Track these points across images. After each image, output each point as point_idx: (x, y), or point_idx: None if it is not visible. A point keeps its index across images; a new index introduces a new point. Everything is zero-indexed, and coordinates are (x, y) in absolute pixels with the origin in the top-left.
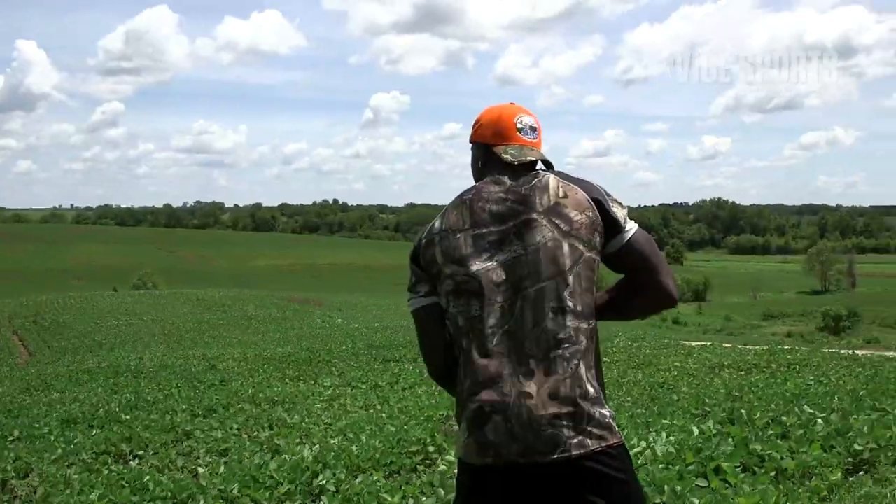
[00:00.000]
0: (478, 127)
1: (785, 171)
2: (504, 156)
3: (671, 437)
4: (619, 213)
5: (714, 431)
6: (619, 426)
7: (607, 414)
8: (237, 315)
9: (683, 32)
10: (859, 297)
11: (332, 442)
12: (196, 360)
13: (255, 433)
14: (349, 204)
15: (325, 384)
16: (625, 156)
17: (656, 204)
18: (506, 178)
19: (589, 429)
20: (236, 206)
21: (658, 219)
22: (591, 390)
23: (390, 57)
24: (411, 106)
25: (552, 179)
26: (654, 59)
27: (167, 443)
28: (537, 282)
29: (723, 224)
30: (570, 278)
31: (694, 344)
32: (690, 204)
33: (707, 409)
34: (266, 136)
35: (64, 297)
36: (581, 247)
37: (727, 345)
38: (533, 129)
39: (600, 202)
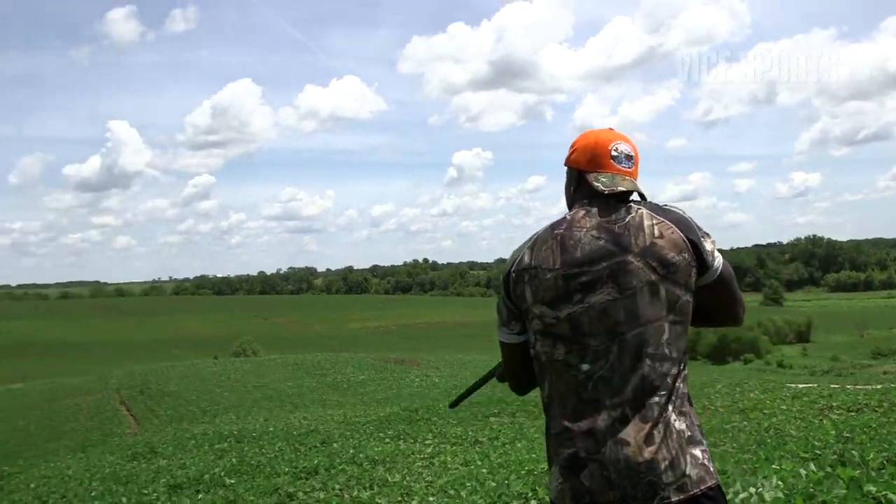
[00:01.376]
0: (573, 151)
1: (880, 203)
2: (595, 184)
3: (779, 482)
4: (710, 248)
5: (824, 474)
6: (723, 472)
7: (704, 455)
8: (336, 378)
9: (762, 70)
10: None
11: (433, 499)
12: (297, 422)
13: (357, 493)
14: (439, 262)
15: (426, 442)
16: (713, 198)
17: (749, 245)
18: (596, 211)
19: (688, 472)
20: (328, 270)
21: (752, 260)
22: (688, 431)
23: (469, 115)
24: (494, 161)
25: (646, 216)
26: (733, 98)
27: None
28: (634, 327)
29: (820, 262)
30: (667, 324)
31: (800, 386)
32: (784, 243)
33: (817, 451)
34: (353, 199)
35: (168, 367)
36: (678, 290)
37: (835, 385)
38: (629, 157)
39: (694, 241)
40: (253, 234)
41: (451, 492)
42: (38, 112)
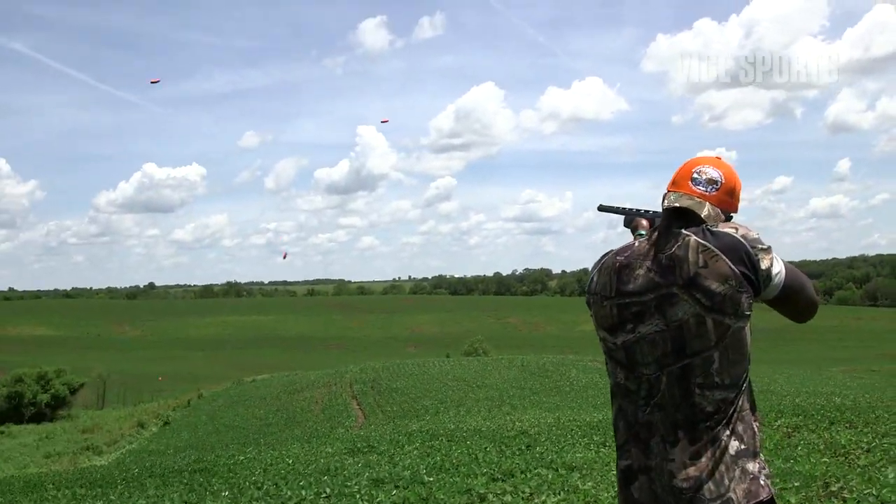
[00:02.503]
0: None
1: None
2: (665, 201)
3: None
4: (766, 266)
5: None
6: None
7: (755, 469)
8: (559, 380)
9: None
10: None
11: None
12: (510, 424)
13: (545, 498)
14: None
15: None
16: None
17: None
18: (655, 237)
19: (733, 488)
20: (563, 272)
21: None
22: (736, 445)
23: (713, 113)
24: (738, 161)
25: (692, 244)
26: None
27: None
28: (682, 359)
29: None
30: (717, 354)
31: None
32: None
33: None
34: (591, 201)
35: (399, 364)
36: (727, 320)
37: None
38: (711, 182)
39: (745, 268)
40: (491, 234)
41: None
42: (294, 119)
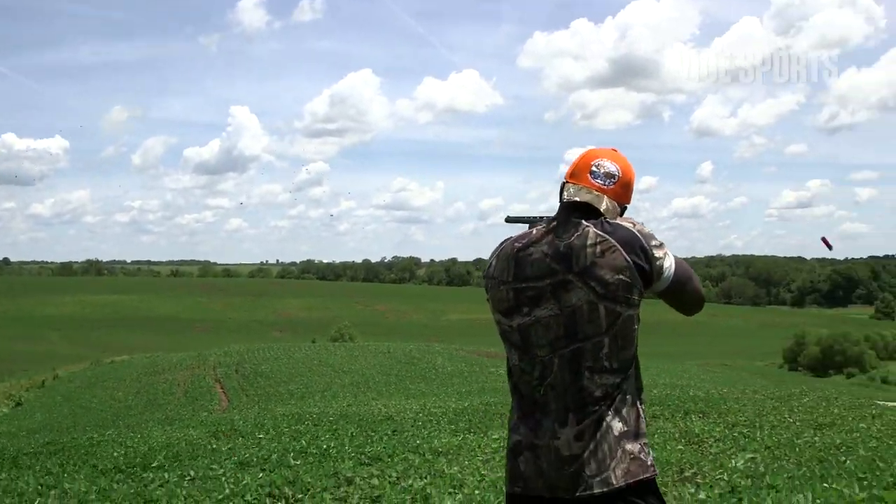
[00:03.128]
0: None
1: None
2: (564, 193)
3: (817, 500)
4: (661, 256)
5: (867, 495)
6: (773, 487)
7: (635, 449)
8: (425, 368)
9: (894, 76)
10: None
11: (478, 493)
12: (376, 410)
13: (411, 482)
14: None
15: (494, 437)
16: (830, 206)
17: (865, 256)
18: (554, 227)
19: (613, 466)
20: (432, 260)
21: (867, 272)
22: (620, 427)
23: (585, 112)
24: None
25: (591, 236)
26: (861, 104)
27: (327, 488)
28: (573, 342)
29: None
30: (607, 339)
31: (889, 404)
32: None
33: (878, 472)
34: (462, 192)
35: (264, 348)
36: (618, 308)
37: None
38: (609, 175)
39: (639, 259)
40: (361, 221)
41: (500, 487)
42: (164, 96)
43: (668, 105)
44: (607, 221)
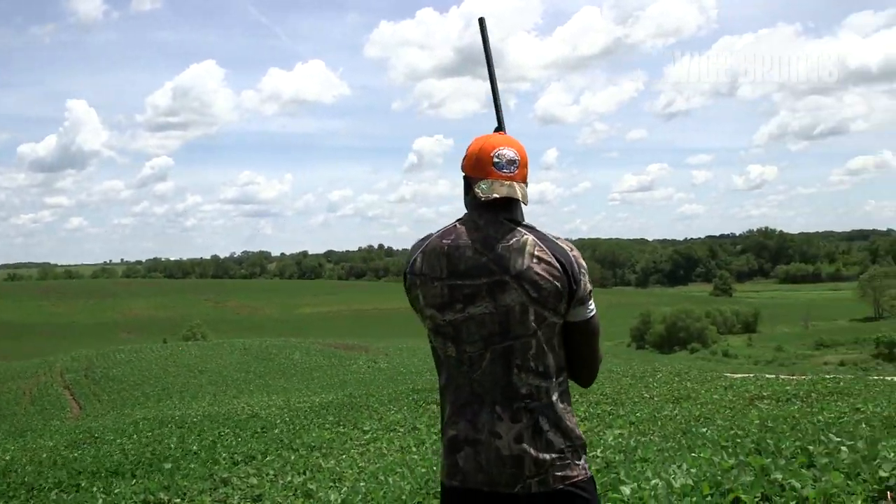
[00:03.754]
0: (464, 158)
1: (833, 197)
2: (476, 191)
3: (692, 470)
4: (586, 285)
5: (736, 462)
6: (645, 459)
7: (571, 452)
8: (283, 363)
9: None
10: None
11: (362, 485)
12: (240, 408)
13: (290, 479)
14: (394, 248)
15: (364, 429)
16: (669, 189)
17: (702, 236)
18: (484, 225)
19: (550, 468)
20: (283, 254)
21: (705, 251)
22: (556, 442)
23: (432, 101)
24: (454, 148)
25: (530, 243)
26: (696, 90)
27: (204, 490)
28: (504, 340)
29: (771, 254)
30: (534, 341)
31: (736, 376)
32: (737, 235)
33: (737, 440)
34: (311, 184)
35: (114, 351)
36: (546, 312)
37: (769, 375)
38: (511, 162)
39: (572, 275)
40: (208, 217)
41: (382, 478)
42: None
43: (513, 93)
44: (544, 234)
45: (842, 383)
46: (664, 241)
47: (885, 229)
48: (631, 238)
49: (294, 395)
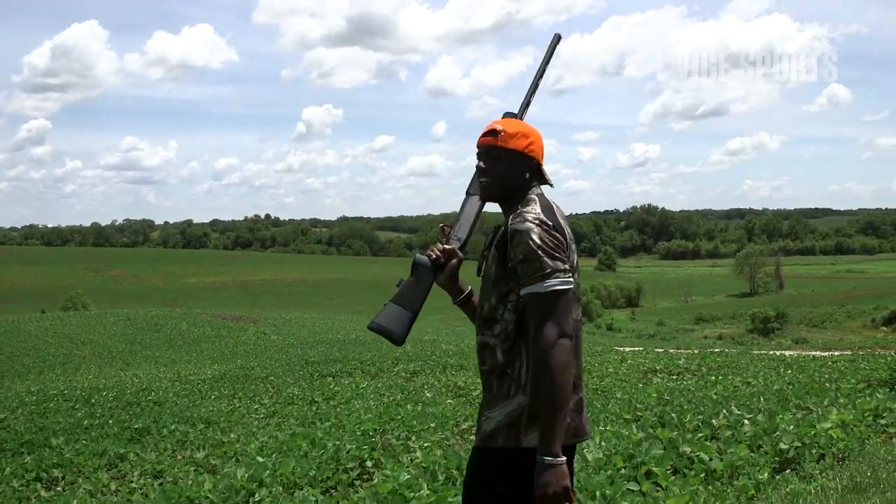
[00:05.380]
0: (530, 142)
1: (713, 176)
2: (548, 177)
3: (602, 443)
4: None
5: (644, 435)
6: None
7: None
8: (170, 334)
9: (613, 42)
10: (787, 298)
11: (267, 460)
12: (129, 381)
13: (190, 454)
14: (281, 218)
15: (262, 402)
16: (556, 165)
17: (588, 212)
18: (552, 202)
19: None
20: (166, 223)
21: (590, 227)
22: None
23: (322, 70)
24: (344, 119)
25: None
26: (584, 68)
27: (100, 467)
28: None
29: (653, 230)
30: None
31: (627, 349)
32: (621, 211)
33: (639, 413)
34: (196, 151)
35: None
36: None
37: (660, 349)
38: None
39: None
40: (88, 183)
41: (287, 452)
42: None
43: (404, 65)
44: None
45: (729, 357)
46: None
47: (760, 208)
48: None
49: (184, 366)
